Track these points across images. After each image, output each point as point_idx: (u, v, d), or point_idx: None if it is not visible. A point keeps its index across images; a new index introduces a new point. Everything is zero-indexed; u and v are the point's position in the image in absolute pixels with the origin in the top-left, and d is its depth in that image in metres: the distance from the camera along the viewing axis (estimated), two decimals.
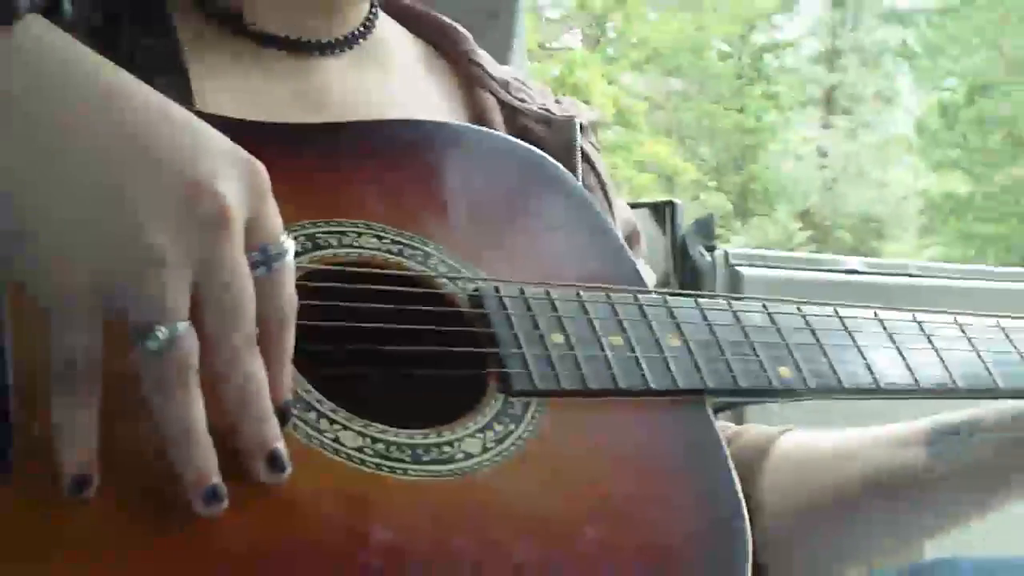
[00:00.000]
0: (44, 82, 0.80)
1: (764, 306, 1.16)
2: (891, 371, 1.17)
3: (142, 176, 0.79)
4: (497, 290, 1.05)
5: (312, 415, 0.92)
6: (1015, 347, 1.25)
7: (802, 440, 1.35)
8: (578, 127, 1.32)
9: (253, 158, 0.84)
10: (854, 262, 2.62)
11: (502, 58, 1.42)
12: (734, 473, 1.01)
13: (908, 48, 21.49)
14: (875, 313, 1.21)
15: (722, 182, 20.16)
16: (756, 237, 19.00)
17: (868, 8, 21.14)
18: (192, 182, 0.80)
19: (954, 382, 1.19)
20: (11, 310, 0.82)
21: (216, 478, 0.82)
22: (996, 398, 1.25)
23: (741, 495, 1.00)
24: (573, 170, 1.26)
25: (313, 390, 0.94)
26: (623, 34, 20.16)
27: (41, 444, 0.80)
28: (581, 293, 1.08)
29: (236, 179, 0.82)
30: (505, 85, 1.34)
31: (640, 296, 1.11)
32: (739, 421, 2.15)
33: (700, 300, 1.13)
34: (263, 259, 0.84)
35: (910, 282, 2.65)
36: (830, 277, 2.52)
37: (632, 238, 1.31)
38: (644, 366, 1.05)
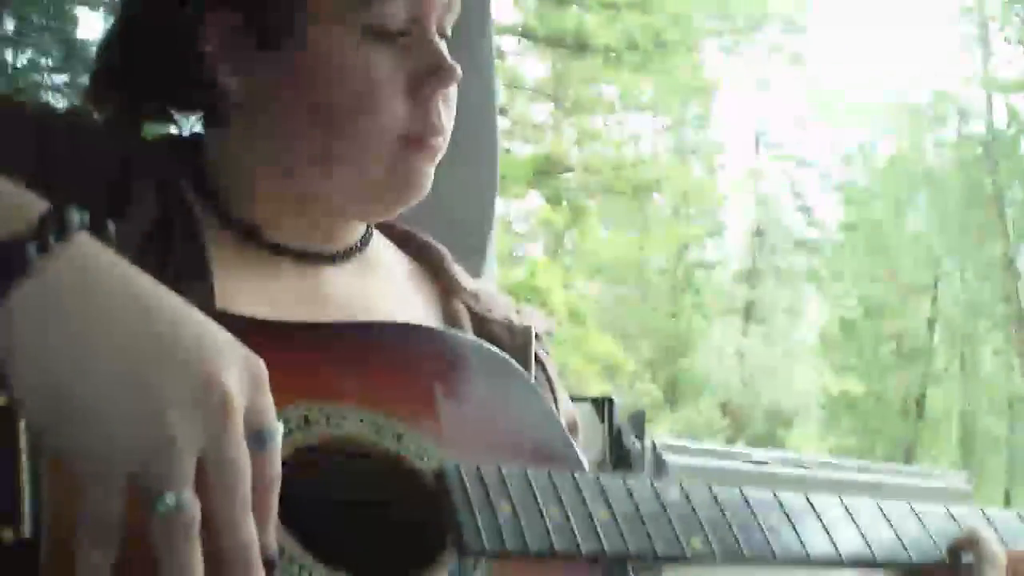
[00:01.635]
0: (87, 289, 0.83)
1: (681, 486, 1.17)
2: (787, 544, 1.17)
3: (164, 370, 0.81)
4: (457, 467, 1.07)
5: (295, 568, 0.93)
6: (892, 526, 1.26)
7: None
8: (533, 335, 1.35)
9: (255, 355, 0.87)
10: (759, 454, 2.65)
11: (476, 269, 1.45)
12: None
13: (815, 272, 21.85)
14: (774, 494, 1.22)
15: (656, 375, 20.23)
16: (683, 423, 19.00)
17: (783, 237, 21.55)
18: (204, 375, 0.82)
19: (839, 556, 1.20)
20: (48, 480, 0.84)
21: None
22: (874, 567, 1.26)
23: None
24: (527, 369, 1.28)
25: (297, 544, 0.95)
26: (579, 248, 20.43)
27: None
28: (528, 471, 1.10)
29: (240, 373, 0.85)
30: (475, 297, 1.36)
31: (577, 475, 1.12)
32: None
33: (627, 480, 1.15)
34: (256, 439, 0.85)
35: (804, 473, 2.69)
36: (739, 466, 2.55)
37: (572, 427, 1.32)
38: (577, 534, 1.06)
